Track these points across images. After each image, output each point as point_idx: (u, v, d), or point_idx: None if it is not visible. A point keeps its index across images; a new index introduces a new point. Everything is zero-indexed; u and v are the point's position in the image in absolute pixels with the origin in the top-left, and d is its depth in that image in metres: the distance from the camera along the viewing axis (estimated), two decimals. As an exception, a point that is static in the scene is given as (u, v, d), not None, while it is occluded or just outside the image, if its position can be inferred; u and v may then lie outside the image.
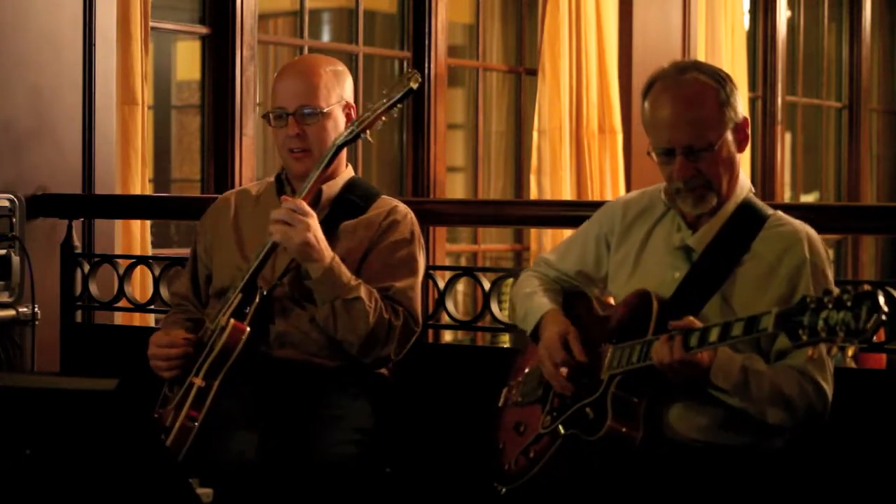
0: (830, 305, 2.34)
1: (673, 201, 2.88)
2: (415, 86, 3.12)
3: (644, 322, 2.76)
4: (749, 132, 2.86)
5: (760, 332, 2.50)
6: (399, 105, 3.15)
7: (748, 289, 2.78)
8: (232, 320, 3.14)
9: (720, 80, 2.82)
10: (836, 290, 2.35)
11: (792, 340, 2.41)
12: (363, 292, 3.14)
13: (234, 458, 3.09)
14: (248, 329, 3.14)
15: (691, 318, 2.67)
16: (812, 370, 2.70)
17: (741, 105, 2.85)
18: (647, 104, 2.86)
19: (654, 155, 2.85)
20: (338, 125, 3.28)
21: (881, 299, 2.30)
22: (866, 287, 2.35)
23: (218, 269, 3.36)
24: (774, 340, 2.73)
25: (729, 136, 2.81)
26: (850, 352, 2.36)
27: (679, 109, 2.79)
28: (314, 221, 3.13)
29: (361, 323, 3.13)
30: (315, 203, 3.26)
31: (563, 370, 2.86)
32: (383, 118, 3.16)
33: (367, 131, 3.18)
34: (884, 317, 2.29)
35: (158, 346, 3.22)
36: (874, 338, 2.46)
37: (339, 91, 3.30)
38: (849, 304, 2.32)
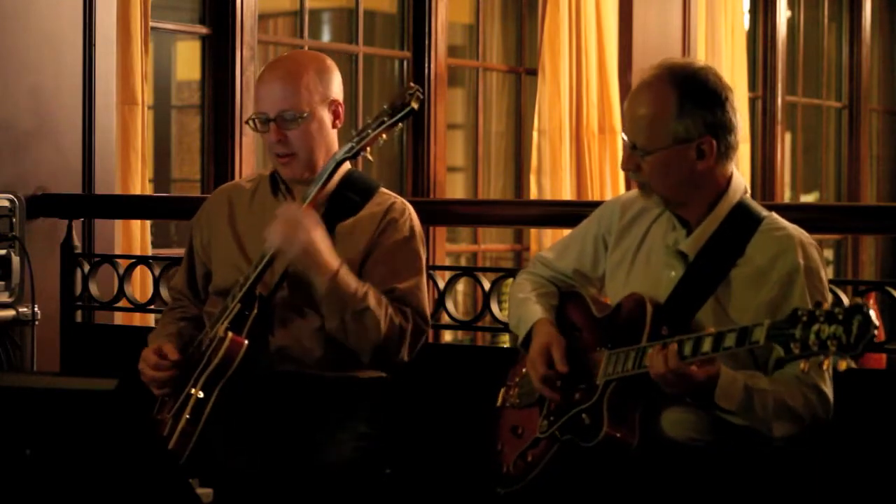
0: (822, 318, 2.32)
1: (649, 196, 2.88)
2: (416, 106, 3.02)
3: (639, 327, 2.74)
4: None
5: (753, 344, 2.47)
6: (400, 124, 3.05)
7: (742, 293, 2.76)
8: (230, 333, 3.08)
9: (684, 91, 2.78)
10: (829, 300, 2.32)
11: (784, 353, 2.38)
12: (372, 301, 3.07)
13: (234, 464, 3.08)
14: (246, 342, 3.09)
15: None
16: (813, 376, 2.66)
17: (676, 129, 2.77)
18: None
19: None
20: (323, 126, 3.19)
21: (872, 313, 2.27)
22: (857, 300, 2.32)
23: (217, 267, 3.32)
24: (771, 350, 2.71)
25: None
26: (841, 366, 2.31)
27: (631, 105, 2.82)
28: (320, 228, 3.07)
29: (373, 332, 3.08)
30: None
31: (550, 383, 2.85)
32: (384, 136, 3.06)
33: (368, 149, 3.09)
34: (875, 331, 2.26)
35: (146, 365, 3.18)
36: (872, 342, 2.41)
37: (323, 90, 3.19)
38: (840, 317, 2.30)
